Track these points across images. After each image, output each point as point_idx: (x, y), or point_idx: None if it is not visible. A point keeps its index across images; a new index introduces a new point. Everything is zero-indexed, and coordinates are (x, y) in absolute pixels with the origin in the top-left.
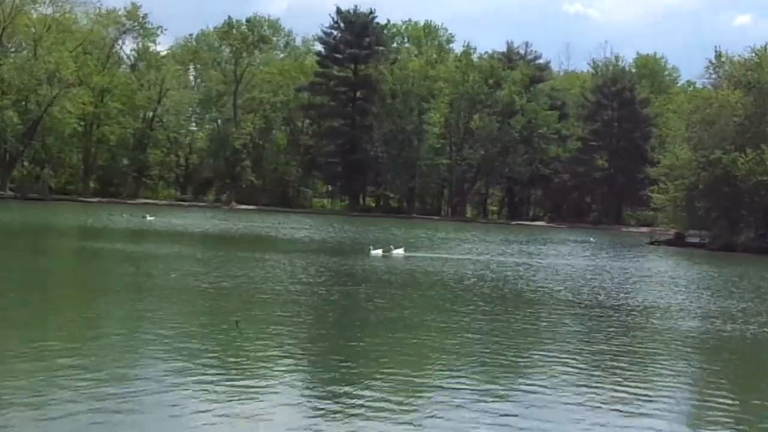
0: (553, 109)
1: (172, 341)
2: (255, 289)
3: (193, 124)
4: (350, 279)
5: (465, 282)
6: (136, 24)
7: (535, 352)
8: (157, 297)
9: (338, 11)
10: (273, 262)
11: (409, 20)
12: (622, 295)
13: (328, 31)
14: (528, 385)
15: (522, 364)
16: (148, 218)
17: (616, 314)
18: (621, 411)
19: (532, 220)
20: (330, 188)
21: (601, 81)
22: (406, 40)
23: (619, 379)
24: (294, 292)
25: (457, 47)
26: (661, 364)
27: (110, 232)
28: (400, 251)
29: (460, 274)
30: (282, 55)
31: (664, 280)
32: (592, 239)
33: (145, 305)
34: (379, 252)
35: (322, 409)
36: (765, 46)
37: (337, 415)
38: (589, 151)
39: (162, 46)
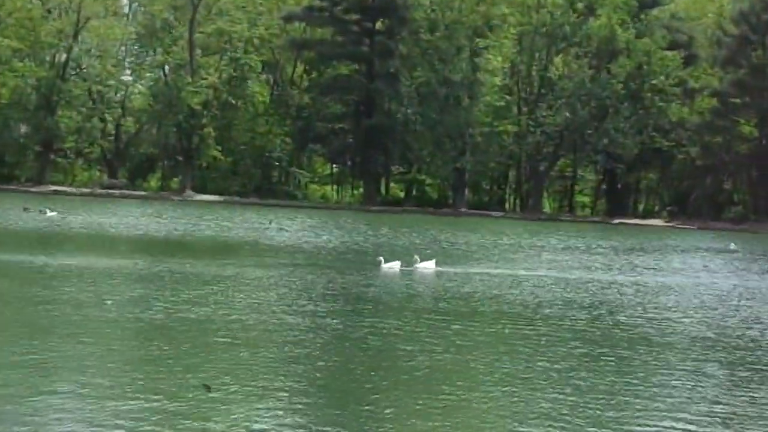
0: (673, 48)
1: (112, 411)
2: (232, 324)
3: (128, 73)
4: (375, 306)
5: (546, 311)
6: None
7: (664, 420)
8: (88, 338)
9: None
10: (254, 282)
11: None
12: None
13: None
14: None
15: None
16: (49, 213)
17: None
18: None
19: (644, 218)
20: (336, 170)
21: (748, 5)
22: None
23: None
24: (291, 327)
25: None
26: None
27: (1, 235)
28: (428, 265)
29: (538, 299)
30: None
31: None
32: (734, 246)
33: (72, 353)
34: (394, 266)
35: None
36: None
37: None
38: (730, 112)
39: None
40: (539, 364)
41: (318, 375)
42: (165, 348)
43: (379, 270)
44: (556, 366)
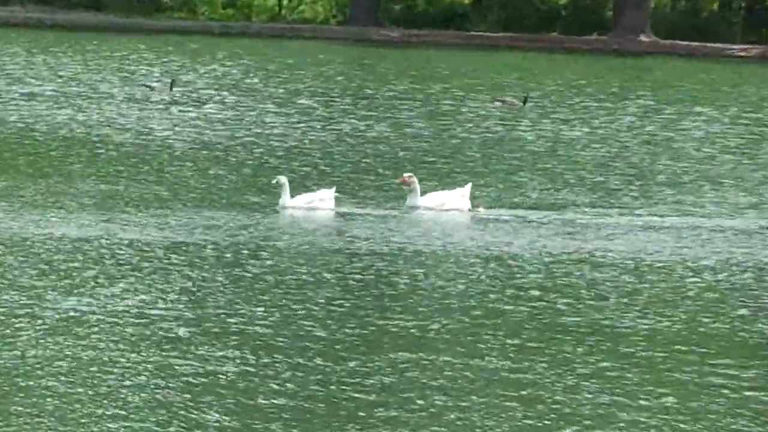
0: None
1: None
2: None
3: None
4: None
5: None
6: None
7: None
8: None
9: None
10: (112, 244)
11: None
12: None
13: None
14: None
15: None
16: None
17: None
18: None
19: None
20: None
21: None
22: None
23: None
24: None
25: None
26: None
27: None
28: (446, 198)
29: None
30: None
31: None
32: None
33: None
34: (317, 201)
35: None
36: None
37: None
38: None
39: None
40: None
41: None
42: None
43: (281, 205)
44: None
